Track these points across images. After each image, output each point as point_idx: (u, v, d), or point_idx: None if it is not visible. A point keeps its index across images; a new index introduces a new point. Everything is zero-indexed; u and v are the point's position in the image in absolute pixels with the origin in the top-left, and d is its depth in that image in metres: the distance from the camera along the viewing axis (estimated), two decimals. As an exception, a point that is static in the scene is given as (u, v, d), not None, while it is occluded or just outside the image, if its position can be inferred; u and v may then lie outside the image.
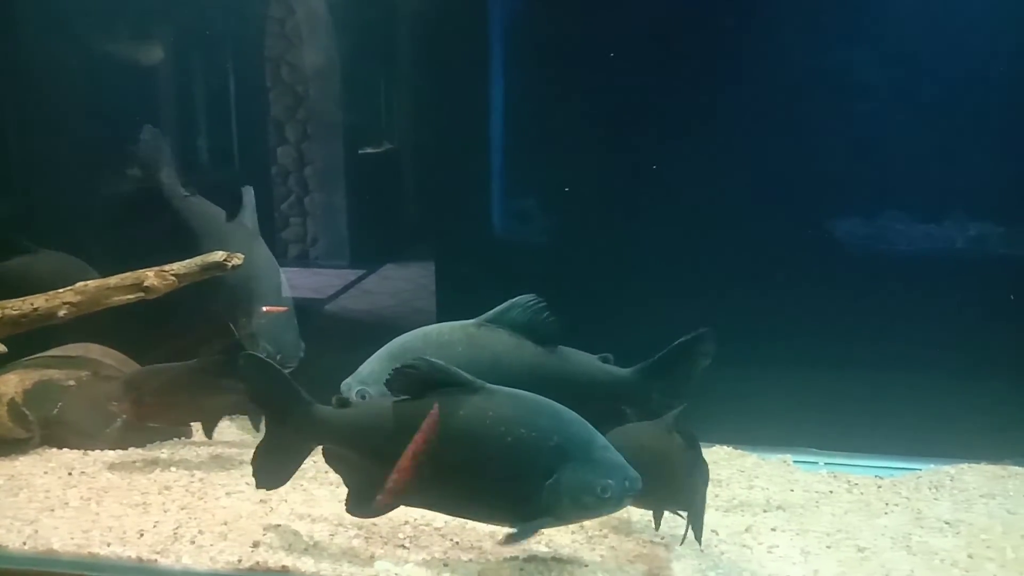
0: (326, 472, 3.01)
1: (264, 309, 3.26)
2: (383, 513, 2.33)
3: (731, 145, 3.31)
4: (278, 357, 3.20)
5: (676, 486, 2.28)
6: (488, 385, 2.25)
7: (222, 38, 3.84)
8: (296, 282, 3.59)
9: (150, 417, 3.26)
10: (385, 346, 2.85)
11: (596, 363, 2.78)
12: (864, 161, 3.28)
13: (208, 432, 3.26)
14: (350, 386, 2.76)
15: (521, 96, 3.54)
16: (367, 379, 2.76)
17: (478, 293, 2.89)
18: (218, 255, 2.85)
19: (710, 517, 2.46)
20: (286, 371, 2.98)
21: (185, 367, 3.18)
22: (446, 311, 3.44)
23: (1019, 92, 3.12)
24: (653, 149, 3.36)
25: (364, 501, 2.29)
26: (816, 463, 3.27)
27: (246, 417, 3.70)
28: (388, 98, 3.85)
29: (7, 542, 2.52)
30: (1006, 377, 3.19)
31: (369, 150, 3.79)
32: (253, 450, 2.50)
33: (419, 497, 2.29)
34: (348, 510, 2.36)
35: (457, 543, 2.48)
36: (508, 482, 2.17)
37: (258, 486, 2.50)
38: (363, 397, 2.74)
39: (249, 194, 3.64)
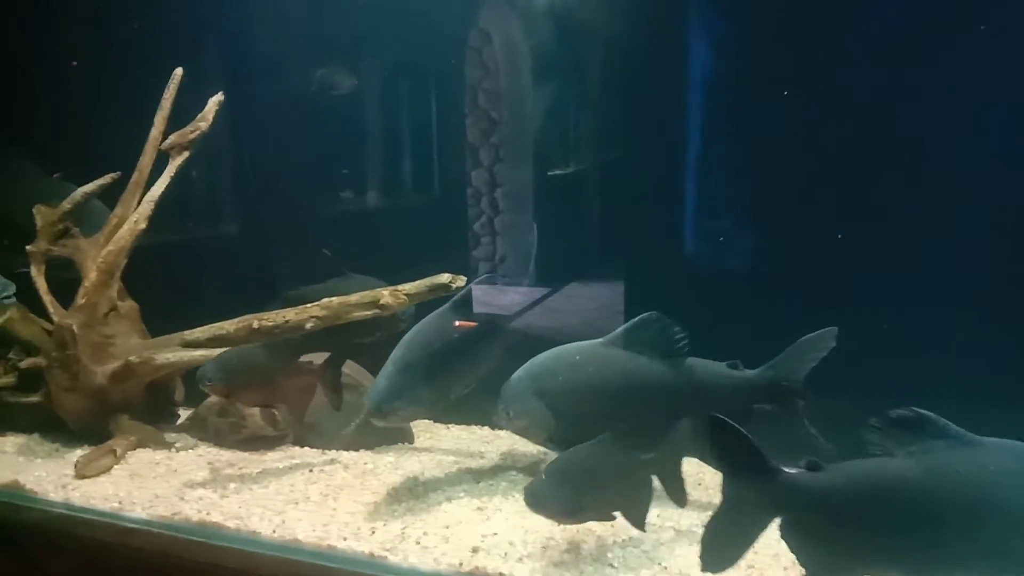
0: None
1: (456, 323, 3.32)
2: None
3: (950, 159, 3.07)
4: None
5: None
6: (974, 436, 2.04)
7: (427, 68, 4.11)
8: (483, 299, 3.72)
9: (239, 398, 3.34)
10: (526, 364, 2.94)
11: (723, 369, 2.78)
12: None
13: (297, 417, 3.31)
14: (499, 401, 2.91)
15: (715, 117, 3.49)
16: (510, 398, 2.88)
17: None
18: (444, 277, 2.98)
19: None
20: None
21: (263, 348, 3.20)
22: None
23: None
24: (855, 171, 3.19)
25: None
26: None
27: (462, 427, 3.91)
28: (577, 121, 3.96)
29: (260, 529, 2.82)
30: None
31: (557, 172, 3.91)
32: (707, 524, 2.21)
33: (890, 567, 2.08)
34: None
35: (666, 567, 2.50)
36: (1017, 541, 1.96)
37: (704, 569, 2.18)
38: (507, 414, 2.87)
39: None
